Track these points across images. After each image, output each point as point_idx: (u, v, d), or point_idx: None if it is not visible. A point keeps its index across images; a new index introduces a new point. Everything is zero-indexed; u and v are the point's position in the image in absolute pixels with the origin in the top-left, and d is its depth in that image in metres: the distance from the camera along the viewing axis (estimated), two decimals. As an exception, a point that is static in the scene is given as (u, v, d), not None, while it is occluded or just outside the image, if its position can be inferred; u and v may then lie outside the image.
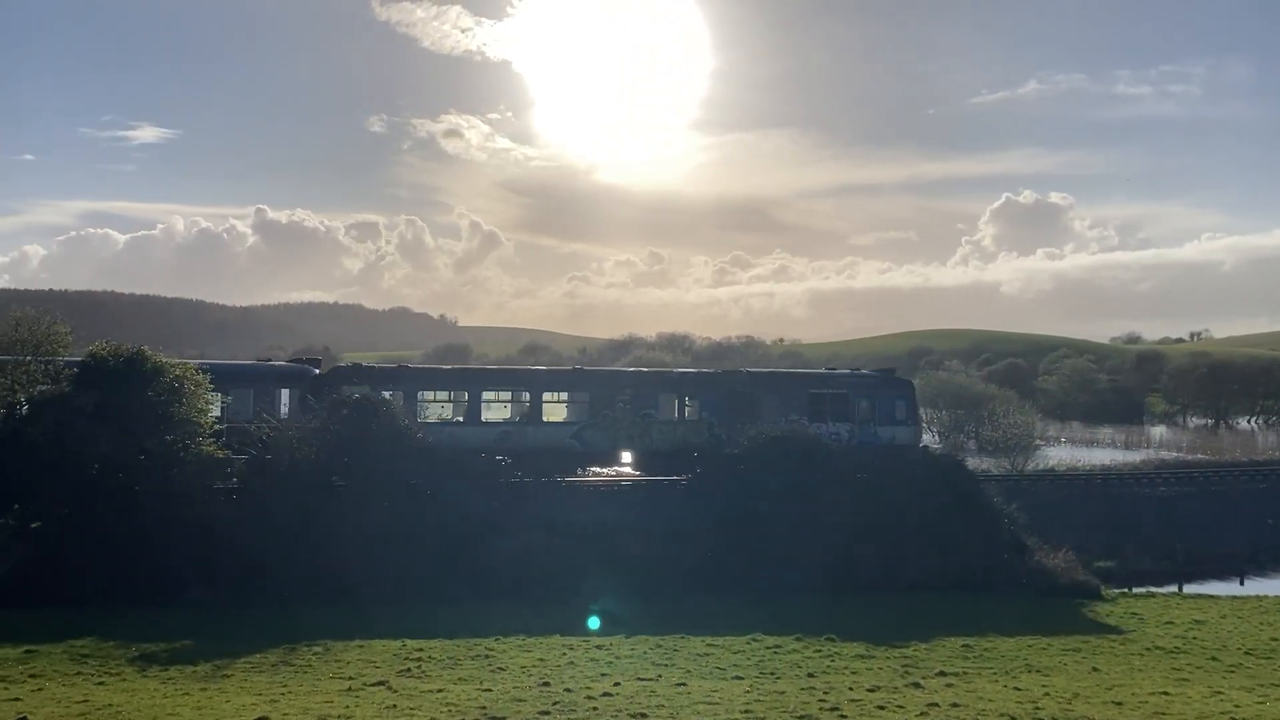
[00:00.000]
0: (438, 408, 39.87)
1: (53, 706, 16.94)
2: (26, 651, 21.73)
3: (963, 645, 25.15)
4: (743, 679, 21.16)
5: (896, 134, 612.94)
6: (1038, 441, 70.61)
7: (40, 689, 18.69)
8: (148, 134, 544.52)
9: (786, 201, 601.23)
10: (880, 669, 22.47)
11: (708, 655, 23.54)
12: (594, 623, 25.85)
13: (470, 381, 41.49)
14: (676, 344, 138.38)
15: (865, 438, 42.61)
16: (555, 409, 41.62)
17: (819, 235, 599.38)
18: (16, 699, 17.65)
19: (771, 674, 21.80)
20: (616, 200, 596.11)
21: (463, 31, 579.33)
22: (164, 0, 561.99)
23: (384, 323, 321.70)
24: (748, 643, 24.96)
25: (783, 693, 19.84)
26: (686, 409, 42.40)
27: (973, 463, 50.72)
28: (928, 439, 77.98)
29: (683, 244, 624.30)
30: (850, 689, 20.33)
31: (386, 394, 37.10)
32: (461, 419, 39.45)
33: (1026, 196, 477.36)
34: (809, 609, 28.88)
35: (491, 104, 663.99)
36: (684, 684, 20.37)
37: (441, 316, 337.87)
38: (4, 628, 23.78)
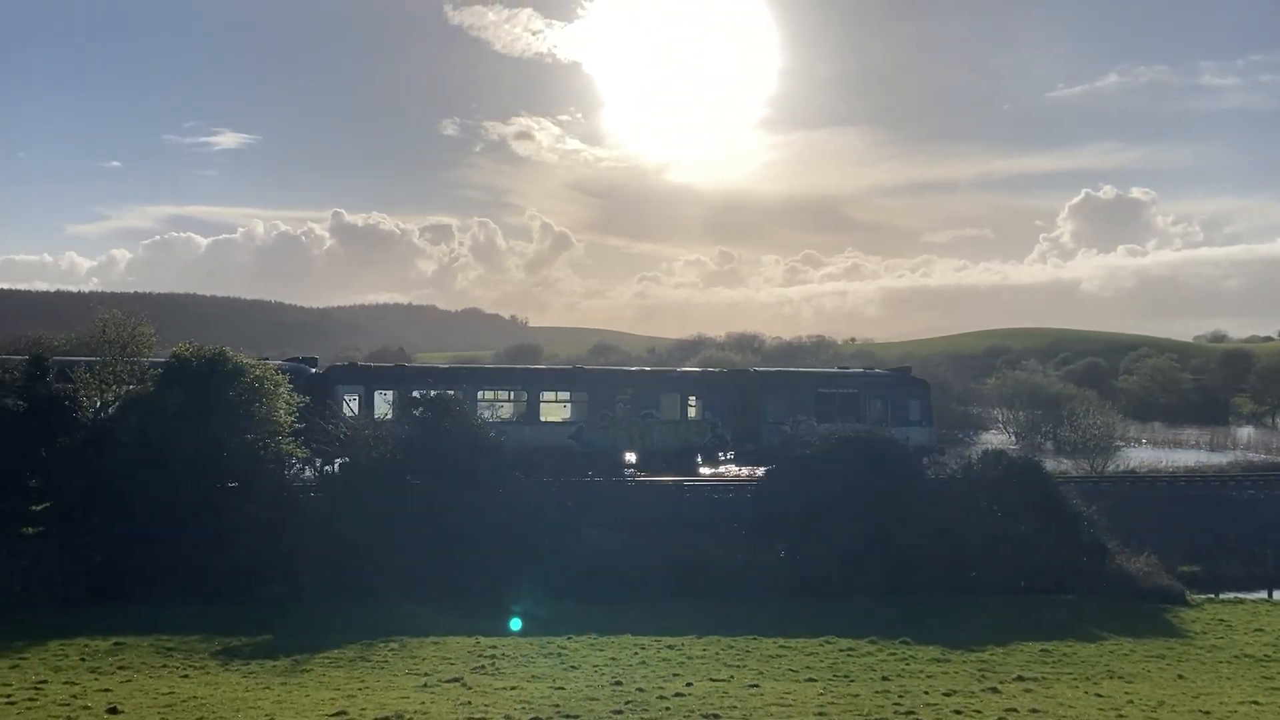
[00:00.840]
0: None
1: (140, 698, 17.40)
2: (115, 644, 22.38)
3: (1041, 650, 24.66)
4: (816, 681, 21.00)
5: (970, 130, 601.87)
6: (1118, 442, 68.90)
7: (129, 680, 19.23)
8: (228, 140, 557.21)
9: (858, 199, 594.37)
10: (956, 673, 22.14)
11: (780, 657, 23.41)
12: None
13: (467, 381, 40.79)
14: (745, 344, 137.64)
15: None
16: (554, 409, 41.22)
17: (892, 233, 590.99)
18: (107, 689, 18.18)
19: (845, 677, 21.60)
20: (686, 200, 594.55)
21: (533, 34, 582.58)
22: (243, 10, 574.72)
23: (456, 323, 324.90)
24: (820, 645, 24.77)
25: (857, 695, 19.67)
26: (689, 409, 41.77)
27: (1051, 464, 49.65)
28: (1003, 440, 76.85)
29: (753, 243, 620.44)
30: (926, 693, 20.07)
31: (380, 394, 37.57)
32: None
33: (1107, 192, 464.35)
34: (881, 611, 28.56)
35: (562, 105, 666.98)
36: (756, 685, 20.29)
37: (512, 317, 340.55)
38: (93, 621, 24.59)
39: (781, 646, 24.40)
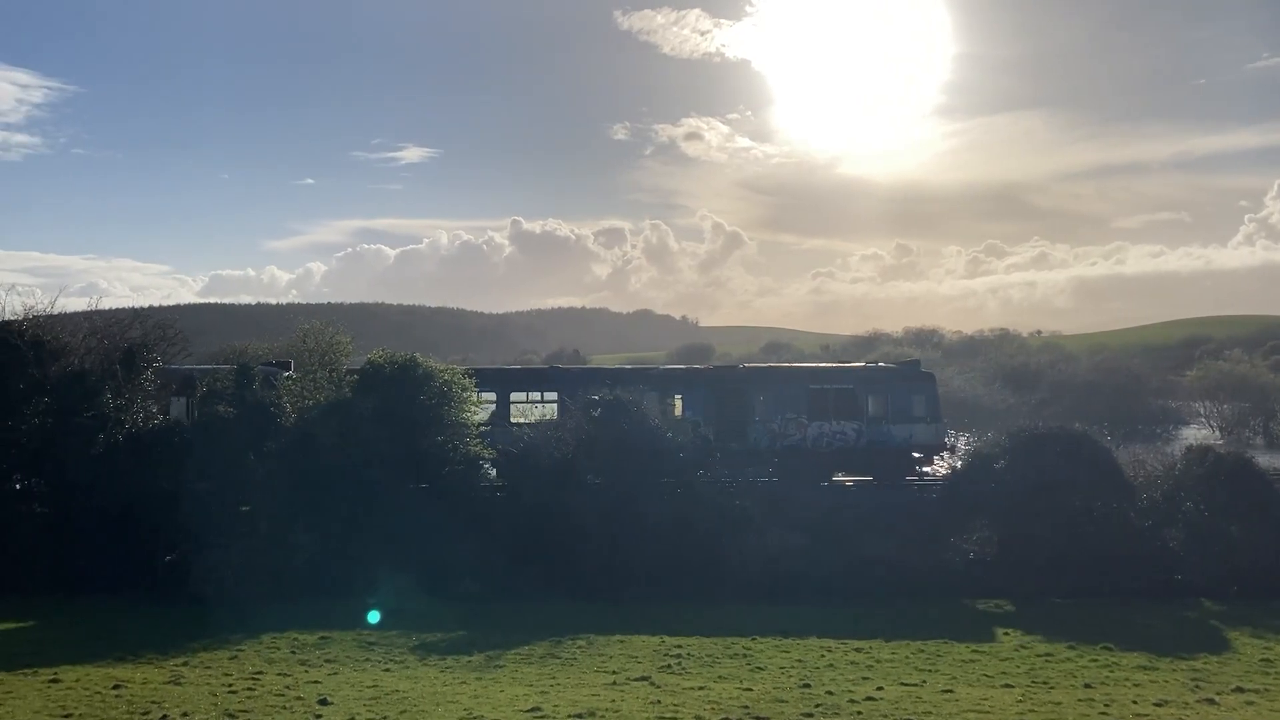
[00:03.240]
0: None
1: (348, 690, 18.25)
2: (322, 638, 23.55)
3: (1261, 659, 23.02)
4: (1013, 688, 20.21)
5: (1161, 108, 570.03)
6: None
7: (336, 673, 20.20)
8: (412, 154, 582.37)
9: (1041, 185, 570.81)
10: (1166, 682, 20.90)
11: (973, 661, 22.64)
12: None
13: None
14: (924, 339, 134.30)
15: (876, 437, 39.16)
16: (526, 409, 39.16)
17: (1080, 220, 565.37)
18: (316, 681, 19.15)
19: (1044, 683, 20.71)
20: (859, 193, 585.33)
21: (701, 34, 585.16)
22: (421, 29, 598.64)
23: (629, 325, 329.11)
24: (1016, 649, 23.86)
25: (1059, 704, 18.82)
26: (670, 408, 39.03)
27: (1263, 460, 46.39)
28: (1206, 434, 72.32)
29: (931, 235, 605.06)
30: (1134, 702, 19.02)
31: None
32: None
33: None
34: (1079, 615, 27.32)
35: (731, 104, 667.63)
36: (950, 690, 19.68)
37: (683, 317, 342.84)
38: (302, 616, 25.95)
39: (974, 651, 23.60)
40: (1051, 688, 20.35)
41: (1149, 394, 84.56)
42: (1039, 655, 23.26)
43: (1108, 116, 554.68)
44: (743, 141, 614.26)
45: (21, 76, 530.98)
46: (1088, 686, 20.43)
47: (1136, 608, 28.37)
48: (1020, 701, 18.94)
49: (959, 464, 35.35)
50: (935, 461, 40.52)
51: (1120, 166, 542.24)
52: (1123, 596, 29.30)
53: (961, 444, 49.27)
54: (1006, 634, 25.61)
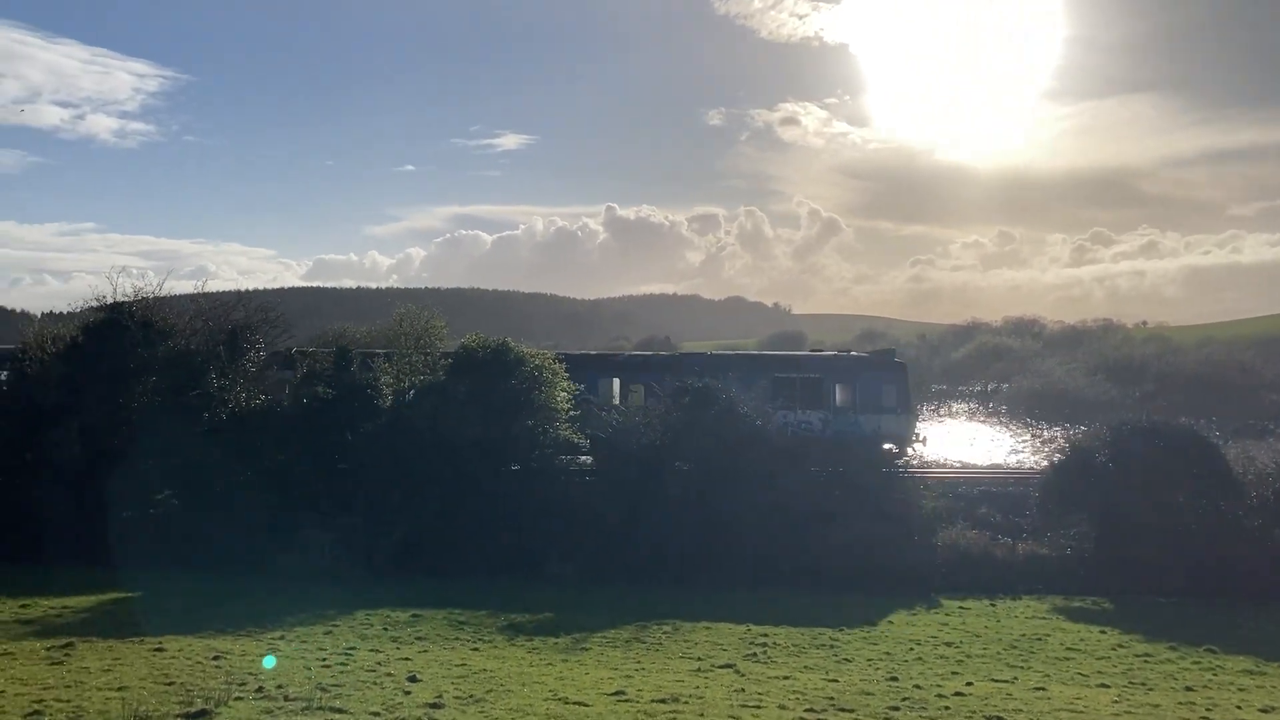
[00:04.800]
0: None
1: (436, 668, 18.54)
2: (413, 616, 24.01)
3: (1379, 668, 21.98)
4: (1109, 688, 19.63)
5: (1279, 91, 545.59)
6: None
7: (425, 651, 20.56)
8: (509, 141, 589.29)
9: (1151, 171, 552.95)
10: (1275, 688, 20.09)
11: (1068, 659, 22.08)
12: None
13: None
14: (1024, 328, 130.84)
15: (843, 427, 38.06)
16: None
17: (1191, 207, 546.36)
18: (407, 658, 19.50)
19: (1142, 684, 20.08)
20: (959, 179, 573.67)
21: (800, 18, 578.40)
22: (521, 18, 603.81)
23: (720, 312, 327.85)
24: (1113, 648, 23.20)
25: (1157, 706, 18.20)
26: (630, 395, 38.40)
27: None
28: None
29: (1035, 222, 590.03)
30: (1239, 708, 18.30)
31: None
32: None
33: None
34: (1181, 615, 26.51)
35: (828, 89, 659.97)
36: (1043, 689, 19.19)
37: (775, 305, 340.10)
38: (393, 593, 26.53)
39: (1069, 649, 23.01)
40: (1150, 689, 19.72)
41: (1262, 388, 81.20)
42: (1137, 655, 22.59)
43: (1222, 100, 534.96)
44: (840, 126, 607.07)
45: (139, 66, 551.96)
46: (1189, 689, 19.75)
47: (1243, 610, 27.35)
48: (1116, 702, 18.36)
49: (1057, 457, 34.45)
50: (908, 453, 39.43)
51: (1235, 152, 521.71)
52: (1229, 598, 28.27)
53: (1059, 437, 47.98)
54: (1103, 632, 24.94)
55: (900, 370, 41.32)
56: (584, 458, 34.50)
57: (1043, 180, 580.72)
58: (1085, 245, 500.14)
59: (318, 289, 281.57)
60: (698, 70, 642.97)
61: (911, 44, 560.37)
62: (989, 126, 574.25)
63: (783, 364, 41.83)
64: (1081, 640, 24.00)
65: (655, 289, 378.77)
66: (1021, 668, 21.16)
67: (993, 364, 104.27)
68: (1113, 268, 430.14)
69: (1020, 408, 79.90)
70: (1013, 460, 44.03)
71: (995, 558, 31.50)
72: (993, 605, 28.50)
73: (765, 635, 23.32)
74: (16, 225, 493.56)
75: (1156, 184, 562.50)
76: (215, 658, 17.54)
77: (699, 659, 20.77)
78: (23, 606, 22.60)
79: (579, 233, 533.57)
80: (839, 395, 39.49)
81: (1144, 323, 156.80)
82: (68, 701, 12.57)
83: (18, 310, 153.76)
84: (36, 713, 11.86)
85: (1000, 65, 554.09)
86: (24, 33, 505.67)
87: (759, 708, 15.77)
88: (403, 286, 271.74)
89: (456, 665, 18.84)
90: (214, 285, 48.41)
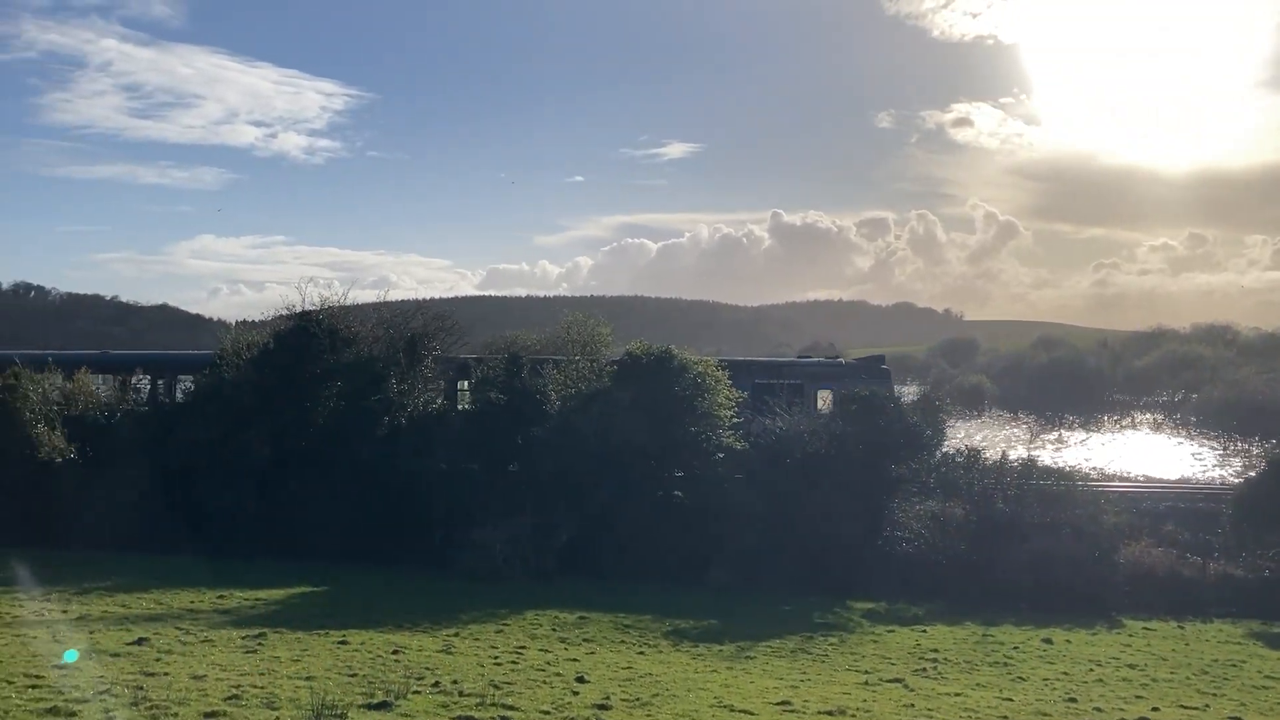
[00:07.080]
0: None
1: (603, 670, 18.85)
2: (580, 618, 24.46)
3: None
4: (1314, 722, 18.34)
5: None
6: None
7: (593, 653, 20.92)
8: (675, 150, 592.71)
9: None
10: None
11: (1266, 688, 20.69)
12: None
13: None
14: (1216, 335, 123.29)
15: None
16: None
17: None
18: (574, 659, 19.90)
19: (1350, 718, 18.66)
20: (1144, 179, 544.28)
21: (973, 17, 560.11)
22: (684, 23, 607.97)
23: (887, 319, 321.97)
24: (1318, 679, 21.62)
25: (1367, 742, 16.93)
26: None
27: None
28: None
29: (1230, 223, 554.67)
30: None
31: None
32: None
33: None
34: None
35: (1003, 88, 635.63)
36: (1238, 718, 18.08)
37: (946, 311, 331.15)
38: (561, 594, 27.10)
39: (1268, 677, 21.57)
40: (1359, 724, 18.33)
41: None
42: (1346, 688, 20.99)
43: None
44: (1015, 126, 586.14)
45: (327, 86, 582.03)
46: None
47: None
48: (1321, 736, 17.18)
49: (1253, 472, 32.40)
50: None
51: None
52: None
53: (1253, 450, 45.12)
54: (1306, 661, 23.29)
55: (884, 378, 41.28)
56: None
57: (1238, 179, 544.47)
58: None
59: (491, 297, 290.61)
60: (866, 72, 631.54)
61: (1092, 39, 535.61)
62: (1176, 123, 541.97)
63: (765, 370, 41.90)
64: (1280, 668, 22.49)
65: (821, 295, 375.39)
66: (1214, 695, 19.98)
67: (1180, 373, 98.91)
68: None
69: (1211, 419, 75.50)
70: (1203, 474, 41.64)
71: (1183, 577, 29.90)
72: (1181, 628, 27.07)
73: (935, 650, 22.75)
74: (215, 239, 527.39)
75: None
76: (394, 652, 18.29)
77: (866, 672, 20.44)
78: (220, 598, 24.03)
79: (744, 239, 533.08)
80: (819, 401, 39.57)
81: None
82: (261, 689, 13.33)
83: (215, 319, 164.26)
84: (235, 697, 12.62)
85: (1188, 58, 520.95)
86: (224, 57, 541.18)
87: (929, 724, 15.44)
88: (571, 295, 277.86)
89: (623, 668, 19.10)
90: (394, 294, 50.59)
